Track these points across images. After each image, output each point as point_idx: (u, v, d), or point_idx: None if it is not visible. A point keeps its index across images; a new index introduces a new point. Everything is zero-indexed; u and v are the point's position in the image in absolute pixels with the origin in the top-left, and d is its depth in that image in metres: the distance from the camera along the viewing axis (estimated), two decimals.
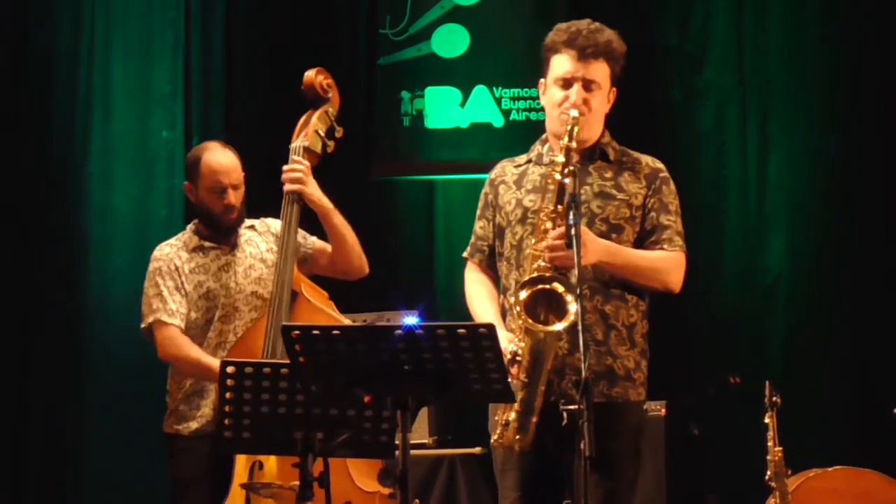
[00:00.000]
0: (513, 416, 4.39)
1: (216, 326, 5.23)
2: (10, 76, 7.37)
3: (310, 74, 5.37)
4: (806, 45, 7.38)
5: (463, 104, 7.56)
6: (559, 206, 4.38)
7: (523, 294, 4.31)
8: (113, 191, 7.39)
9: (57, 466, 7.22)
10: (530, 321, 4.29)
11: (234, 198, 5.23)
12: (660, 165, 4.65)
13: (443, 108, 7.57)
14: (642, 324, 4.60)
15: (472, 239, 4.74)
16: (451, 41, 7.58)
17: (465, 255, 4.77)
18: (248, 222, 5.36)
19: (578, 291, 4.12)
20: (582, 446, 3.94)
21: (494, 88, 7.54)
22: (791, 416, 5.94)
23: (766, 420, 5.78)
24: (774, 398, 5.80)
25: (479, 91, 7.55)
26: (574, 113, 4.44)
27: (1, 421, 7.20)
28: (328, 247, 5.34)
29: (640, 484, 6.25)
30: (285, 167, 5.23)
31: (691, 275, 7.22)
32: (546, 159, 4.60)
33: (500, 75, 7.51)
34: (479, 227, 4.72)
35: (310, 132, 5.30)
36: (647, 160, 4.65)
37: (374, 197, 7.60)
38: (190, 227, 5.36)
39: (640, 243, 4.57)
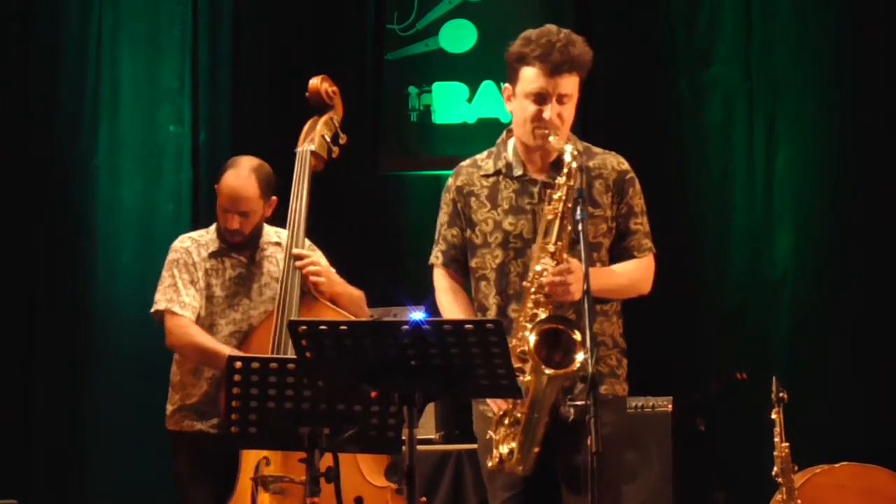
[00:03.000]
0: (514, 445, 4.39)
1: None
2: (18, 70, 7.38)
3: (315, 82, 5.39)
4: (814, 40, 7.36)
5: (470, 100, 7.56)
6: (559, 242, 4.38)
7: (533, 338, 4.30)
8: (120, 185, 7.40)
9: (63, 459, 7.23)
10: (539, 363, 4.28)
11: (238, 223, 5.23)
12: (625, 166, 4.65)
13: (450, 104, 7.57)
14: (618, 325, 4.64)
15: (443, 246, 4.70)
16: (458, 37, 7.58)
17: (434, 262, 4.72)
18: (273, 237, 5.36)
19: (586, 287, 4.12)
20: (589, 442, 3.95)
21: (502, 84, 7.49)
22: (798, 411, 5.94)
23: (773, 416, 5.78)
24: (781, 394, 5.80)
25: (487, 86, 7.54)
26: (570, 148, 4.40)
27: (8, 414, 7.21)
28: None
29: (646, 479, 6.29)
30: (300, 263, 5.17)
31: (698, 270, 7.26)
32: (516, 171, 4.58)
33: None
34: (452, 234, 4.68)
35: (316, 137, 5.31)
36: (611, 163, 4.63)
37: (382, 192, 7.60)
38: (215, 227, 5.37)
39: (611, 249, 4.60)
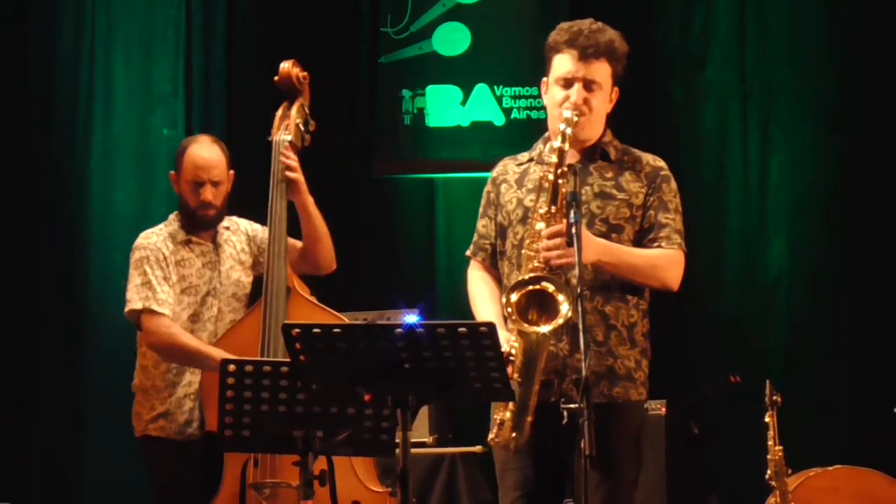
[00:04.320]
0: (508, 415, 4.40)
1: (186, 325, 5.21)
2: (11, 74, 7.38)
3: (286, 66, 5.31)
4: (808, 45, 7.37)
5: (464, 103, 7.56)
6: (552, 207, 4.38)
7: (514, 296, 4.31)
8: (114, 188, 7.40)
9: (58, 464, 7.23)
10: (521, 323, 4.29)
11: (212, 194, 5.21)
12: (661, 164, 4.65)
13: (444, 107, 7.57)
14: (643, 323, 4.60)
15: (475, 237, 4.73)
16: (452, 39, 7.58)
17: (467, 253, 4.75)
18: (225, 222, 5.34)
19: (579, 290, 4.12)
20: (582, 445, 3.94)
21: (495, 87, 7.54)
22: (791, 415, 5.94)
23: (767, 419, 5.79)
24: (775, 397, 5.81)
25: (480, 89, 7.54)
26: (567, 114, 4.44)
27: (1, 419, 7.21)
28: (297, 242, 5.31)
29: (640, 483, 6.28)
30: (280, 159, 5.16)
31: (692, 274, 7.22)
32: (546, 158, 4.60)
33: (502, 74, 7.51)
34: (482, 225, 4.71)
35: (291, 126, 5.26)
36: (648, 158, 4.65)
37: (375, 195, 7.60)
38: (173, 217, 5.32)
39: (638, 241, 4.57)
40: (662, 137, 7.32)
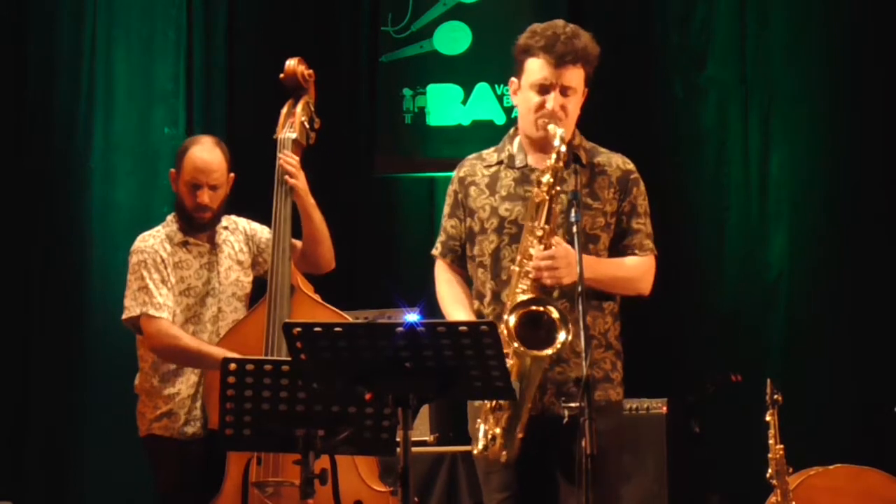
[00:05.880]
0: (498, 431, 4.40)
1: (187, 327, 5.20)
2: (12, 72, 7.38)
3: (291, 64, 5.31)
4: (808, 42, 7.37)
5: (465, 102, 7.56)
6: (546, 226, 4.38)
7: (513, 319, 4.30)
8: (115, 187, 7.40)
9: (60, 460, 7.23)
10: (519, 345, 4.28)
11: (209, 198, 5.20)
12: (630, 166, 4.65)
13: (445, 106, 7.57)
14: (614, 326, 4.61)
15: (443, 237, 4.71)
16: (453, 38, 7.58)
17: (435, 252, 4.73)
18: (223, 222, 5.33)
19: (580, 289, 4.14)
20: (584, 444, 3.95)
21: (496, 86, 7.53)
22: (792, 413, 5.94)
23: (768, 418, 5.79)
24: (776, 396, 5.81)
25: (481, 88, 7.55)
26: (561, 131, 4.43)
27: (2, 417, 7.21)
28: (297, 242, 5.30)
29: (641, 481, 6.30)
30: (280, 162, 5.19)
31: (693, 272, 7.27)
32: (518, 162, 4.60)
33: (502, 73, 7.44)
34: (451, 225, 4.69)
35: (296, 123, 5.25)
36: (617, 161, 4.64)
37: (376, 194, 7.60)
38: (171, 218, 5.32)
39: (612, 247, 4.58)
40: (663, 135, 7.33)
